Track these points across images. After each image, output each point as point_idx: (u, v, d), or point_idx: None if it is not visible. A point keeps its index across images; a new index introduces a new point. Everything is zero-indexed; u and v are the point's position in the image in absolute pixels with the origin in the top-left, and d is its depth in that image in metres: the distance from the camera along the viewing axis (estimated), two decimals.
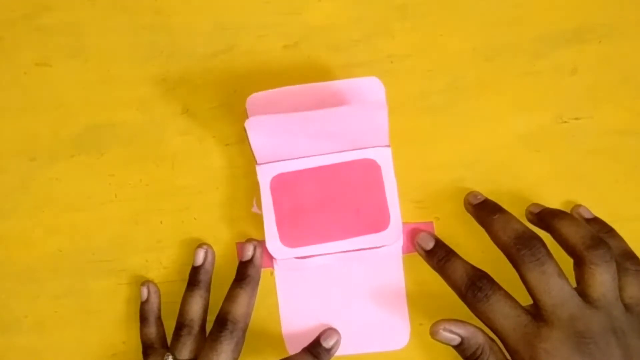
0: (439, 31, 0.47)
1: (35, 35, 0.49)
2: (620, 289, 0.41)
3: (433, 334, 0.41)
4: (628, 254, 0.42)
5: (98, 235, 0.48)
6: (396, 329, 0.46)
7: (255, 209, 0.47)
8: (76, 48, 0.49)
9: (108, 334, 0.48)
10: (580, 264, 0.41)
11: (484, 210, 0.44)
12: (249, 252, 0.46)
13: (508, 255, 0.41)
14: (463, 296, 0.41)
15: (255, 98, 0.45)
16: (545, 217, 0.44)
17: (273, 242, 0.45)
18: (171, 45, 0.48)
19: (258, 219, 0.46)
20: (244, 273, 0.45)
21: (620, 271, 0.41)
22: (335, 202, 0.45)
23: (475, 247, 0.46)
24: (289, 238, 0.45)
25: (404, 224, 0.46)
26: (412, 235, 0.46)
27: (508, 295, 0.40)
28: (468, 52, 0.47)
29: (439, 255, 0.44)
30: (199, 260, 0.46)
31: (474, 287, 0.41)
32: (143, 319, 0.46)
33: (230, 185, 0.47)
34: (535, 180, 0.46)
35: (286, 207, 0.45)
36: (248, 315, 0.44)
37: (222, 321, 0.43)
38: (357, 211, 0.44)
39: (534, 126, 0.47)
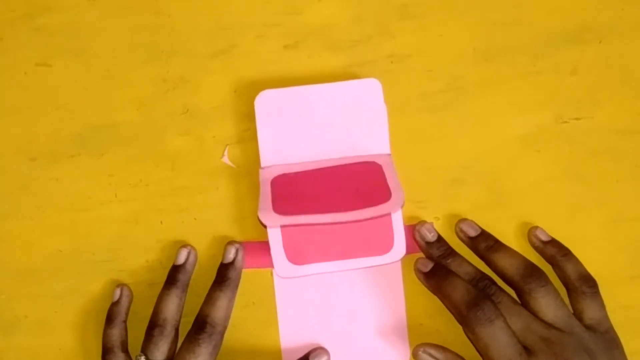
0: (439, 31, 0.47)
1: (35, 35, 0.49)
2: (580, 312, 0.42)
3: (414, 354, 0.43)
4: (584, 277, 0.43)
5: (98, 235, 0.48)
6: (395, 348, 0.46)
7: (225, 159, 0.47)
8: (76, 48, 0.49)
9: None
10: (521, 295, 0.42)
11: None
12: (230, 255, 0.46)
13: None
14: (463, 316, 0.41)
15: (264, 95, 0.45)
16: (480, 250, 0.44)
17: (266, 212, 0.43)
18: (171, 45, 0.48)
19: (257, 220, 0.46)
20: (225, 275, 0.45)
21: (578, 295, 0.42)
22: (334, 183, 0.44)
23: None
24: (283, 208, 0.43)
25: (403, 225, 0.46)
26: (412, 236, 0.46)
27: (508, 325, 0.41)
28: (468, 52, 0.47)
29: (439, 275, 0.43)
30: (181, 259, 0.46)
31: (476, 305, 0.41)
32: (109, 319, 0.46)
33: (230, 185, 0.47)
34: (535, 180, 0.46)
35: (283, 183, 0.44)
36: (227, 318, 0.44)
37: (202, 324, 0.43)
38: (357, 190, 0.44)
39: (534, 126, 0.47)
